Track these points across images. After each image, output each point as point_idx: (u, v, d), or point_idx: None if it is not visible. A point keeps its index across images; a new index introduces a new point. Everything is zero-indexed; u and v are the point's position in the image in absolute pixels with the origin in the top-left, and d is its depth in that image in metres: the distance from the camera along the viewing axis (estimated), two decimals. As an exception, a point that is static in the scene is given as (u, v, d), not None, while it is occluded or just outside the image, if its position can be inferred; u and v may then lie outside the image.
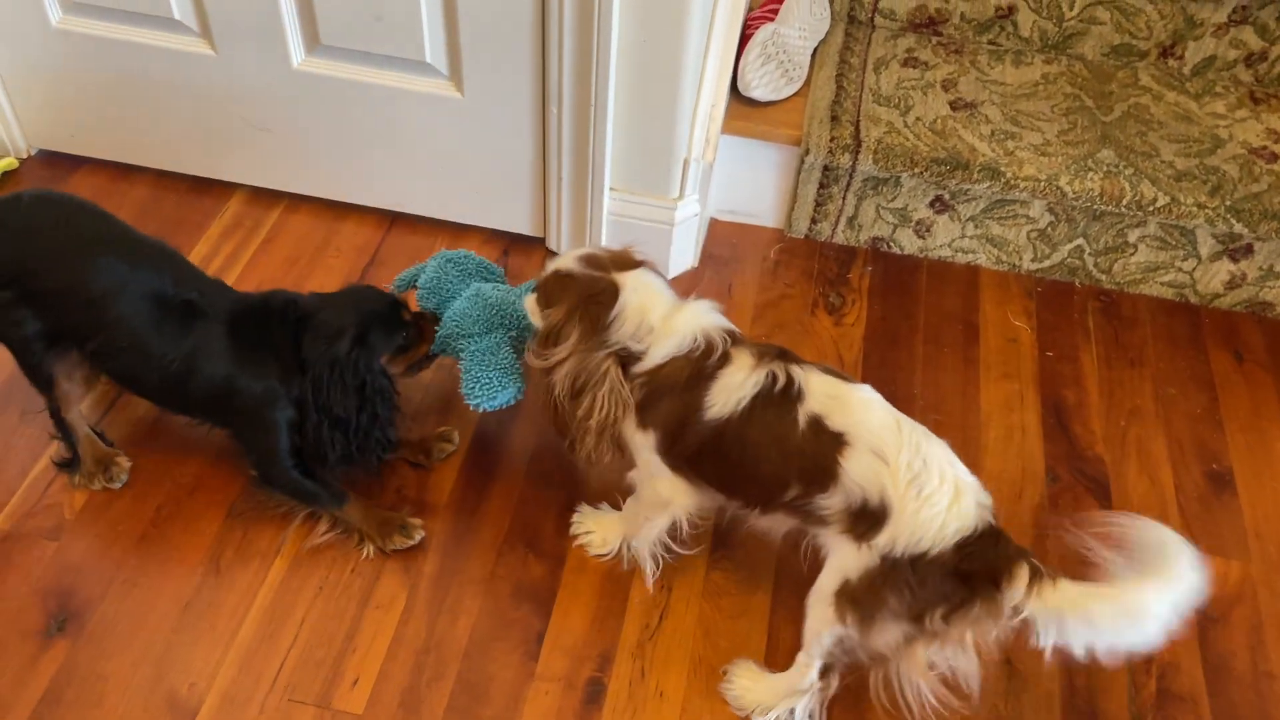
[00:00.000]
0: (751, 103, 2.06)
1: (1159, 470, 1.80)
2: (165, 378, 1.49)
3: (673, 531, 1.53)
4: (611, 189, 1.93)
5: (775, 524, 1.43)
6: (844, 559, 1.32)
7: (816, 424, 1.31)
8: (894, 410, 1.34)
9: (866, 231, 2.12)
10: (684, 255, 2.05)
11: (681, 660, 1.51)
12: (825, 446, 1.30)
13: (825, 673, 1.40)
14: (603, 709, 1.45)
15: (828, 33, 2.21)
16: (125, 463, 1.65)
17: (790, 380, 1.34)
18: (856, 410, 1.32)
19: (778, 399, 1.33)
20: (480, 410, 1.53)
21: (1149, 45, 2.17)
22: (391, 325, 1.53)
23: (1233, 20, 2.10)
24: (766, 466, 1.35)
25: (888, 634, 1.31)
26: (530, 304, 1.49)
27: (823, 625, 1.35)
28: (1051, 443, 1.82)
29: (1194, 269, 2.04)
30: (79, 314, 1.47)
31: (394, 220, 2.12)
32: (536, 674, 1.48)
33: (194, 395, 1.51)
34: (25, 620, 1.50)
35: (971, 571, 1.25)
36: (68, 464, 1.63)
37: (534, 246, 2.09)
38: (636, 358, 1.38)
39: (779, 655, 1.52)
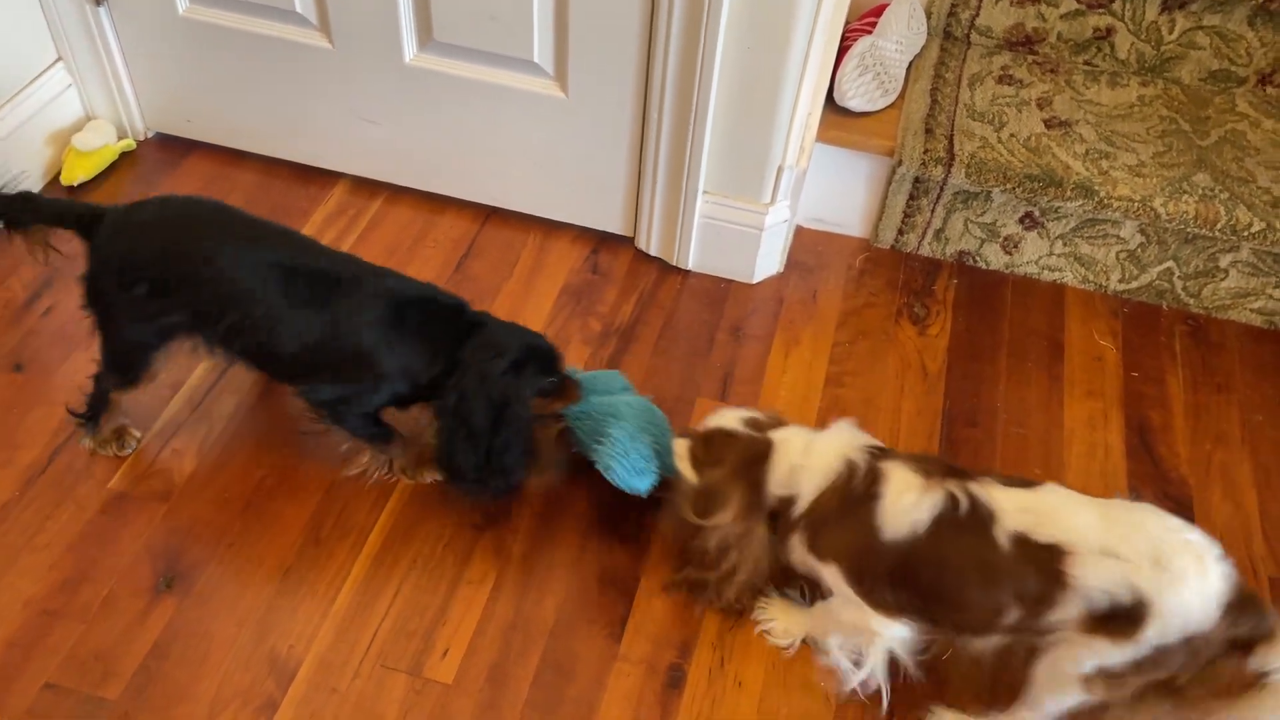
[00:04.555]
0: (846, 113, 2.09)
1: (1244, 496, 1.79)
2: (305, 346, 1.50)
3: (893, 668, 1.44)
4: (704, 192, 1.97)
5: (990, 645, 1.37)
6: (1096, 653, 1.26)
7: (1023, 542, 1.26)
8: (1087, 498, 1.30)
9: (953, 245, 2.14)
10: (770, 260, 2.09)
11: (760, 653, 1.54)
12: (1042, 562, 1.25)
13: None
14: (682, 694, 1.49)
15: (923, 47, 2.23)
16: (135, 432, 1.73)
17: (974, 500, 1.30)
18: (1058, 516, 1.27)
19: (966, 521, 1.29)
20: (614, 482, 1.56)
21: (1248, 72, 2.16)
22: (547, 367, 1.56)
23: (1336, 49, 2.09)
24: (972, 592, 1.30)
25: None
26: (680, 449, 1.49)
27: (1062, 696, 1.32)
28: (1135, 462, 1.82)
29: (1286, 297, 2.03)
30: (220, 292, 1.49)
31: (489, 215, 2.18)
32: (619, 655, 1.52)
33: (327, 362, 1.52)
34: (136, 577, 1.58)
35: (1237, 636, 1.21)
36: (85, 421, 1.69)
37: (623, 245, 2.14)
38: (791, 502, 1.40)
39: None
